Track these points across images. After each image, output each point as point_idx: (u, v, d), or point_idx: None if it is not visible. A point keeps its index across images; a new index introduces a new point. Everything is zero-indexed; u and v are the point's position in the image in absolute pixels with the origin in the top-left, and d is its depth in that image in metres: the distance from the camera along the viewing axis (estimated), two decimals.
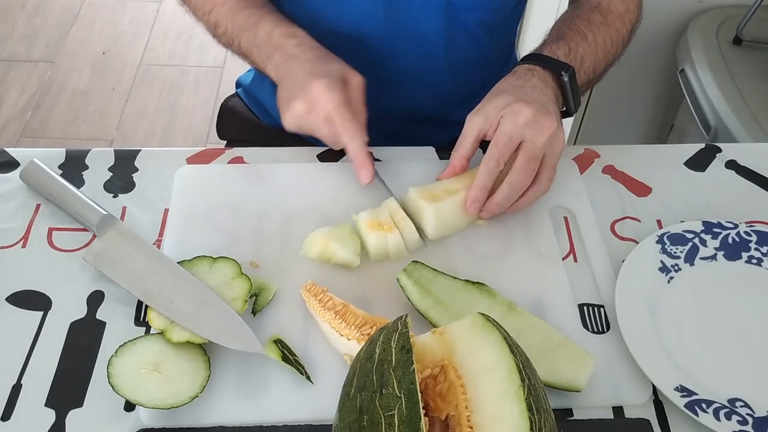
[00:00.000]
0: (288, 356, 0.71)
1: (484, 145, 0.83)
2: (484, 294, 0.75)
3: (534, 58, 0.89)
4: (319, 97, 0.80)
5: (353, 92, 0.83)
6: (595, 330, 0.76)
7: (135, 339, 0.71)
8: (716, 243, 0.82)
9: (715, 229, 0.83)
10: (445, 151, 0.93)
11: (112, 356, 0.69)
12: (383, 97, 1.02)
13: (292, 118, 0.83)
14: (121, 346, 0.70)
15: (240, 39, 0.91)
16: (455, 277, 0.76)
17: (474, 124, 0.82)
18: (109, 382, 0.67)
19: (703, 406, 0.68)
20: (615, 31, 0.93)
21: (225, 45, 0.95)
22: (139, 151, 0.92)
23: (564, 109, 0.88)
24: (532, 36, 2.15)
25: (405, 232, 0.80)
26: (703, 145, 0.96)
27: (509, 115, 0.79)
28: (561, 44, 0.89)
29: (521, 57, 0.92)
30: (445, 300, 0.74)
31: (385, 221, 0.80)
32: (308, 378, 0.70)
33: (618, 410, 0.71)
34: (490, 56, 1.04)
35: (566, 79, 0.85)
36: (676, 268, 0.80)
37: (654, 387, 0.71)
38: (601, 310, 0.78)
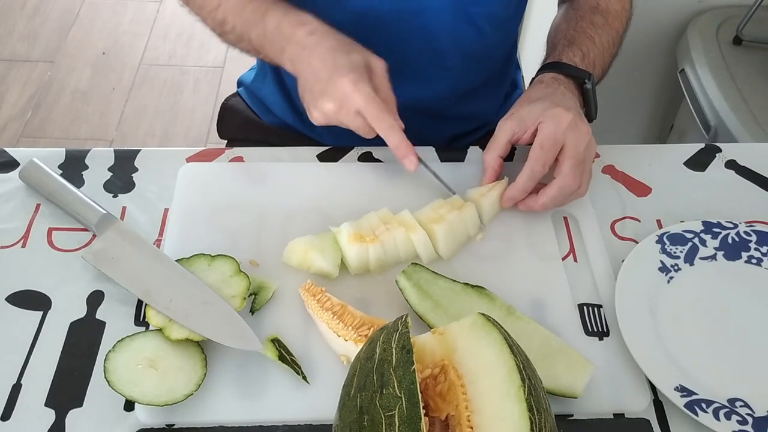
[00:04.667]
0: (285, 356, 0.71)
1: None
2: (483, 297, 0.75)
3: (555, 66, 0.89)
4: (347, 94, 0.78)
5: (379, 79, 0.82)
6: (595, 331, 0.76)
7: (132, 335, 0.71)
8: (716, 243, 0.82)
9: (715, 229, 0.83)
10: (444, 151, 0.93)
11: (109, 351, 0.69)
12: None
13: (321, 117, 0.81)
14: (118, 341, 0.70)
15: (250, 34, 0.88)
16: (454, 280, 0.76)
17: (507, 127, 0.83)
18: (106, 378, 0.67)
19: (703, 405, 0.68)
20: (615, 32, 0.95)
21: (233, 43, 0.93)
22: (139, 151, 0.92)
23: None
24: (533, 34, 2.15)
25: (417, 240, 0.79)
26: (703, 145, 0.96)
27: (550, 119, 0.80)
28: (575, 50, 0.90)
29: (523, 55, 0.93)
30: (444, 303, 0.74)
31: (366, 233, 0.79)
32: (304, 378, 0.70)
33: (618, 413, 0.71)
34: (494, 51, 1.05)
35: (589, 86, 0.87)
36: (676, 268, 0.80)
37: (654, 387, 0.71)
38: (601, 310, 0.78)
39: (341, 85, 0.78)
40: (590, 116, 0.90)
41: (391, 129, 0.79)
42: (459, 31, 0.98)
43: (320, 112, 0.80)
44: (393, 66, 1.00)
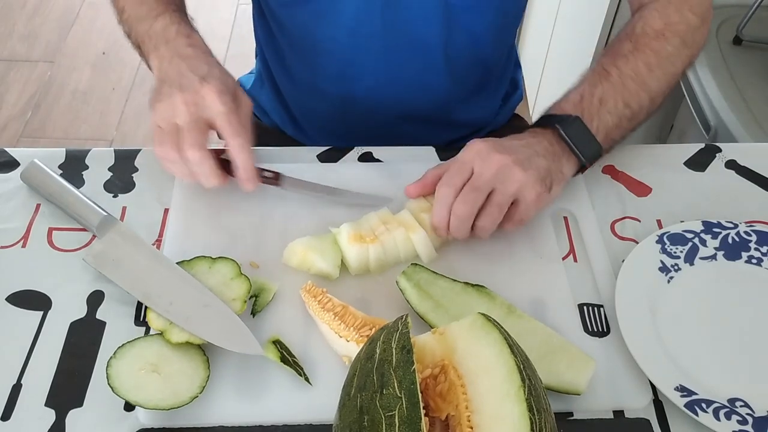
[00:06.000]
0: (287, 357, 0.71)
1: None
2: (484, 297, 0.75)
3: (540, 120, 0.85)
4: (207, 97, 0.76)
5: (243, 112, 0.81)
6: (595, 330, 0.76)
7: (133, 340, 0.71)
8: (716, 243, 0.82)
9: (715, 229, 0.83)
10: (445, 151, 0.93)
11: (110, 358, 0.69)
12: (382, 99, 1.02)
13: (163, 107, 0.77)
14: (119, 347, 0.70)
15: (137, 28, 0.88)
16: (454, 280, 0.76)
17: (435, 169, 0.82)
18: (109, 384, 0.67)
19: (703, 405, 0.68)
20: (653, 53, 0.87)
21: (126, 34, 0.93)
22: (139, 150, 0.92)
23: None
24: (533, 33, 2.15)
25: (417, 240, 0.79)
26: (703, 145, 0.96)
27: (467, 147, 0.79)
28: (573, 93, 0.85)
29: (523, 55, 0.92)
30: (444, 303, 0.74)
31: (366, 233, 0.79)
32: (306, 379, 0.70)
33: (618, 410, 0.71)
34: (489, 56, 1.04)
35: (561, 131, 0.81)
36: (676, 268, 0.80)
37: (654, 387, 0.71)
38: (601, 310, 0.78)
39: (204, 89, 0.76)
40: (579, 159, 0.82)
41: (242, 148, 0.78)
42: (452, 41, 0.97)
43: (169, 103, 0.76)
44: (388, 79, 1.00)
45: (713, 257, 0.81)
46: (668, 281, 0.79)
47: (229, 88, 0.79)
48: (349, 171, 0.90)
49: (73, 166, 0.90)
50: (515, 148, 0.79)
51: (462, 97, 1.06)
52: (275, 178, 0.84)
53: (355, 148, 0.93)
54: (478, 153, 0.78)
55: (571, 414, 0.70)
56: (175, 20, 0.86)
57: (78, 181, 0.88)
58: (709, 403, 0.68)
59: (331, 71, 1.01)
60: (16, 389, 0.71)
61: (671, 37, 0.88)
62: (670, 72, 0.88)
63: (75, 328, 0.75)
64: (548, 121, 0.84)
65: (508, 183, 0.76)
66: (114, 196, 0.87)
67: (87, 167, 0.90)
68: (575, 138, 0.81)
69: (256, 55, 1.16)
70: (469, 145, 0.80)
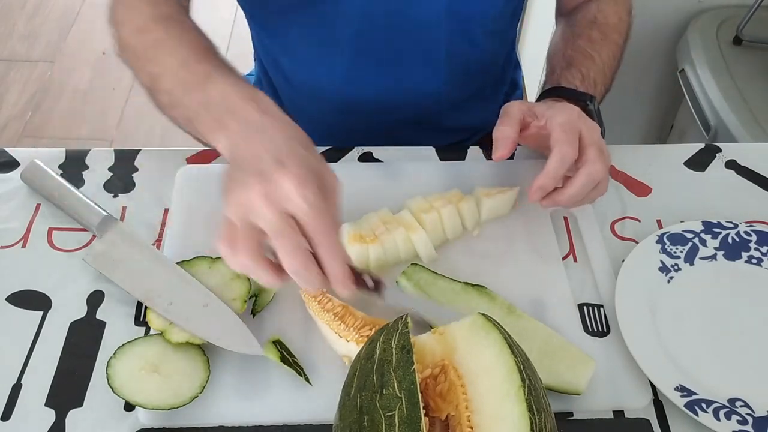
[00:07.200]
0: (287, 357, 0.71)
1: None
2: (484, 297, 0.75)
3: (554, 90, 0.86)
4: (285, 189, 0.58)
5: (329, 196, 0.62)
6: (595, 330, 0.76)
7: (133, 340, 0.71)
8: (716, 243, 0.82)
9: (715, 229, 0.83)
10: (445, 151, 0.93)
11: (111, 358, 0.69)
12: (383, 104, 1.02)
13: (239, 203, 0.60)
14: (119, 347, 0.70)
15: (188, 99, 0.70)
16: (454, 280, 0.76)
17: (518, 107, 0.78)
18: (109, 384, 0.67)
19: (703, 405, 0.68)
20: (615, 45, 0.91)
21: (164, 107, 0.76)
22: (139, 150, 0.92)
23: None
24: (533, 33, 2.15)
25: (417, 240, 0.79)
26: (703, 145, 0.96)
27: (559, 111, 0.76)
28: (573, 71, 0.87)
29: (523, 55, 0.92)
30: (444, 303, 0.74)
31: (366, 233, 0.78)
32: (307, 379, 0.70)
33: (618, 410, 0.71)
34: (489, 60, 1.04)
35: (592, 107, 0.83)
36: (676, 268, 0.80)
37: (654, 387, 0.71)
38: (601, 310, 0.78)
39: (282, 177, 0.59)
40: None
41: (336, 253, 0.60)
42: (454, 48, 0.97)
43: (242, 192, 0.59)
44: (390, 86, 1.00)
45: (713, 257, 0.81)
46: (668, 281, 0.79)
47: (313, 169, 0.61)
48: (349, 171, 0.89)
49: (73, 166, 0.90)
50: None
51: (463, 103, 1.06)
52: (375, 288, 0.69)
53: (355, 148, 0.93)
54: (579, 115, 0.76)
55: (571, 414, 0.70)
56: (229, 81, 0.68)
57: (78, 181, 0.88)
58: (709, 403, 0.68)
59: (333, 76, 1.01)
60: (16, 389, 0.71)
61: (622, 33, 0.94)
62: (618, 66, 0.93)
63: (75, 328, 0.75)
64: (574, 95, 0.84)
65: (605, 146, 0.77)
66: (114, 196, 0.87)
67: (87, 167, 0.90)
68: (598, 116, 0.83)
69: (255, 59, 1.16)
70: (554, 107, 0.76)
